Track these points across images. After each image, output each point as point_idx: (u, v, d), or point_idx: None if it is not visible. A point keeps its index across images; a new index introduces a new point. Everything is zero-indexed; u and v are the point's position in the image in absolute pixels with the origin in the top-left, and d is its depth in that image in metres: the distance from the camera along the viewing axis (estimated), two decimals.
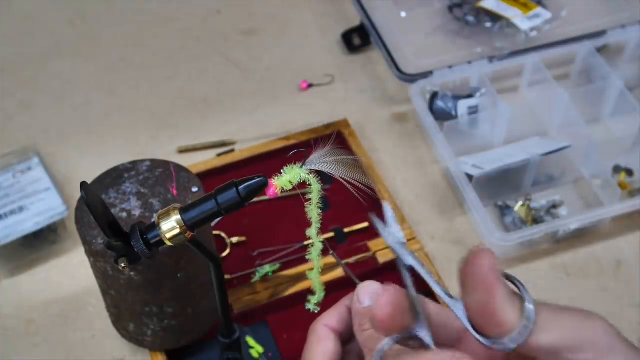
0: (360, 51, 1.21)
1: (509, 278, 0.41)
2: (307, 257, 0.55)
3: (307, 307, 0.56)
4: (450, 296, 0.42)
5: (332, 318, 0.49)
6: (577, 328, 0.40)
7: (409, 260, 0.43)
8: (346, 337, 0.50)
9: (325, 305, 0.53)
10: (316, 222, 0.52)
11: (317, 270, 0.55)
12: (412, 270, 0.43)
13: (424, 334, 0.42)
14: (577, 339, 0.40)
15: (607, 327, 0.41)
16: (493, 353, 0.43)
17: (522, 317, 0.40)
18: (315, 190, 0.51)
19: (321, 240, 0.53)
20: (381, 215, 0.46)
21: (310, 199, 0.52)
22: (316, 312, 0.55)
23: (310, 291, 0.92)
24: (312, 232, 0.53)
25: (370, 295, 0.48)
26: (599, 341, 0.40)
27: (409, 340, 0.42)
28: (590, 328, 0.40)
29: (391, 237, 0.44)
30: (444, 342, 0.44)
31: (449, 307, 0.43)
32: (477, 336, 0.41)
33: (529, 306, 0.39)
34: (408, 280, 0.42)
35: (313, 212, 0.52)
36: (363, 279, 0.97)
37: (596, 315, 0.41)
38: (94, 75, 1.19)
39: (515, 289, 0.41)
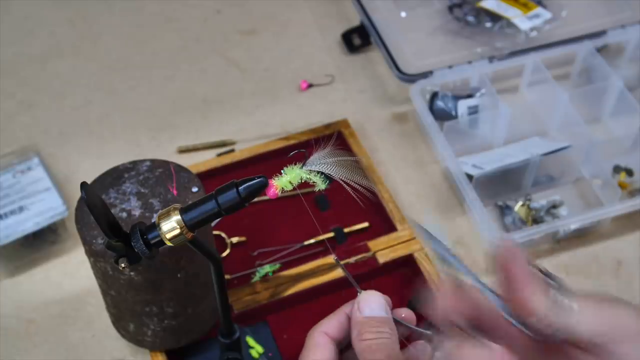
0: (360, 51, 1.21)
1: (542, 271, 0.45)
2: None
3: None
4: (498, 296, 0.46)
5: (330, 325, 0.49)
6: (611, 317, 0.43)
7: (463, 269, 0.47)
8: (344, 345, 0.50)
9: (325, 310, 0.53)
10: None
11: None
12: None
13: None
14: (612, 328, 0.42)
15: (636, 315, 0.43)
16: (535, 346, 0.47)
17: (554, 305, 0.43)
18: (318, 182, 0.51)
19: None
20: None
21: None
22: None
23: (310, 290, 0.92)
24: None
25: (370, 305, 0.48)
26: (629, 328, 0.42)
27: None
28: (622, 316, 0.43)
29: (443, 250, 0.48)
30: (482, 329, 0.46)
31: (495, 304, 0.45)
32: (521, 327, 0.44)
33: (562, 296, 0.43)
34: (484, 287, 0.46)
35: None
36: (363, 279, 0.97)
37: (627, 304, 0.44)
38: (94, 75, 1.19)
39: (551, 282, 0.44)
